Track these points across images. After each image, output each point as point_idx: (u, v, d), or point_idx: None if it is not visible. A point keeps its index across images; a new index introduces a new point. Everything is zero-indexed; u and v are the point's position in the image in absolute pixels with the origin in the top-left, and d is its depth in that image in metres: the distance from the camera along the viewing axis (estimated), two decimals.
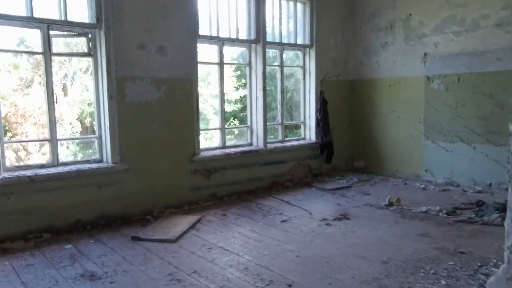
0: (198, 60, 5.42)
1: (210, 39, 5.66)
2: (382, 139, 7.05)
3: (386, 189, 6.07)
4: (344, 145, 7.36)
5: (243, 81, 11.09)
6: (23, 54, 10.54)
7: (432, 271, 3.23)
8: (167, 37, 5.03)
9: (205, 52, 6.42)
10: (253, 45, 6.16)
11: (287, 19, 6.79)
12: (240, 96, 11.98)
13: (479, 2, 5.68)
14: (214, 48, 5.86)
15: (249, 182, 6.01)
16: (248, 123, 6.39)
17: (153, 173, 5.02)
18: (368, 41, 7.10)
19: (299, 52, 7.02)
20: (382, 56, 6.91)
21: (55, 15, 4.40)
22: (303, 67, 7.01)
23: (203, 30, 5.50)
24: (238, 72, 12.29)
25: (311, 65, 6.93)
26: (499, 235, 4.00)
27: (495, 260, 3.41)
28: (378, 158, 7.12)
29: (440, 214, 4.71)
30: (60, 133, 9.31)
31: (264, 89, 6.18)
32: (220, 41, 5.80)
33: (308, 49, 6.92)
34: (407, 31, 6.54)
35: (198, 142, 5.47)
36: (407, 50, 6.56)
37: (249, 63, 6.27)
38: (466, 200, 5.29)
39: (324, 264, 3.43)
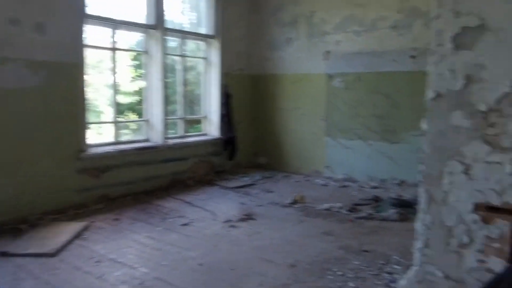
0: (86, 43, 4.74)
1: (100, 20, 4.99)
2: (285, 136, 7.01)
3: (289, 186, 6.01)
4: (247, 141, 7.18)
5: (142, 71, 10.34)
6: None
7: (339, 273, 3.13)
8: (47, 13, 4.27)
9: (97, 35, 5.69)
10: (152, 31, 5.62)
11: (190, 7, 6.35)
12: (139, 88, 11.17)
13: (378, 3, 5.87)
14: (107, 31, 5.20)
15: (146, 181, 5.49)
16: (146, 117, 5.84)
17: (29, 173, 4.24)
18: (272, 36, 6.98)
19: (202, 43, 6.63)
20: (287, 51, 6.85)
21: None
22: (206, 59, 6.65)
23: (92, 9, 4.82)
24: (137, 62, 11.46)
25: (215, 57, 6.60)
26: (397, 230, 4.11)
27: (396, 257, 3.44)
28: (281, 155, 7.07)
29: (342, 211, 4.74)
30: None
31: (164, 80, 5.69)
32: (113, 24, 5.16)
33: (211, 40, 6.57)
34: (311, 28, 6.55)
35: (86, 137, 4.79)
36: (310, 47, 6.58)
37: (147, 51, 5.71)
38: (364, 196, 5.43)
39: (229, 272, 3.14)
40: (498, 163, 2.02)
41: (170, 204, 5.00)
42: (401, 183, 5.93)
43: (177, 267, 3.23)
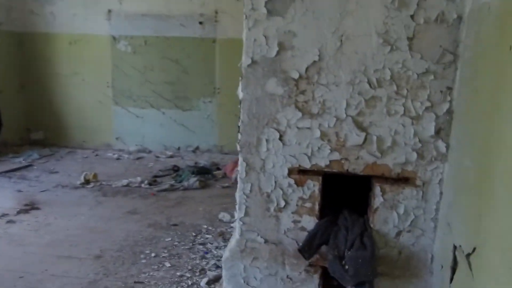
0: None
1: None
2: (64, 106, 6.10)
3: (76, 164, 5.29)
4: (15, 114, 5.94)
5: None
6: None
7: (153, 254, 2.91)
8: None
9: None
10: None
11: None
12: None
13: None
14: None
15: None
16: None
17: None
18: None
19: None
20: (58, 6, 5.83)
21: None
22: None
23: None
24: None
25: None
26: (201, 198, 4.12)
27: (205, 226, 3.43)
28: (61, 128, 6.15)
29: (142, 185, 4.45)
30: None
31: None
32: None
33: None
34: None
35: None
36: (88, 3, 5.77)
37: None
38: (162, 166, 5.26)
39: (18, 281, 2.51)
40: (308, 128, 2.13)
41: None
42: (196, 150, 6.00)
43: None
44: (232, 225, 3.44)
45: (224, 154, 5.85)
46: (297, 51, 2.08)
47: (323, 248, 2.19)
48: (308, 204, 2.21)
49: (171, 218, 3.58)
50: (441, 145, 2.05)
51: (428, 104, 2.03)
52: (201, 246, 3.05)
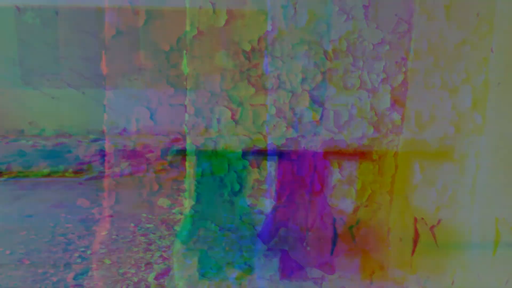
0: None
1: None
2: None
3: None
4: None
5: None
6: None
7: (88, 251, 2.60)
8: None
9: None
10: None
11: None
12: None
13: None
14: None
15: None
16: None
17: None
18: None
19: None
20: None
21: None
22: None
23: None
24: None
25: None
26: (136, 184, 3.82)
27: (145, 215, 3.18)
28: None
29: (66, 174, 4.01)
30: None
31: None
32: None
33: None
34: None
35: None
36: None
37: None
38: (86, 152, 4.79)
39: None
40: (262, 105, 1.98)
41: None
42: (125, 132, 5.57)
43: None
44: (173, 211, 3.22)
45: (157, 136, 5.50)
46: (248, 20, 1.89)
47: (282, 231, 2.09)
48: (264, 186, 2.08)
49: (105, 209, 3.26)
50: (396, 117, 2.01)
51: (384, 75, 1.97)
52: (143, 238, 2.81)
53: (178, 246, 2.13)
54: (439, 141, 1.94)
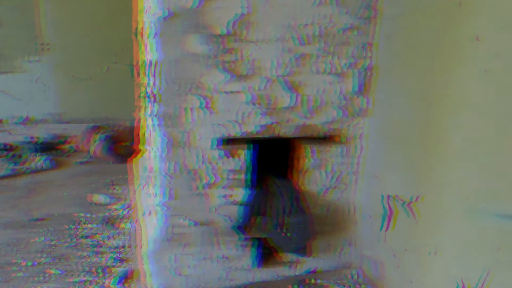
0: None
1: None
2: None
3: None
4: None
5: None
6: None
7: (29, 263, 2.28)
8: None
9: None
10: None
11: None
12: None
13: None
14: None
15: None
16: None
17: None
18: None
19: None
20: None
21: None
22: None
23: None
24: None
25: None
26: (60, 181, 3.44)
27: (82, 214, 2.87)
28: None
29: None
30: None
31: None
32: None
33: None
34: None
35: None
36: None
37: None
38: None
39: None
40: (237, 92, 1.89)
41: None
42: (26, 121, 4.93)
43: None
44: (114, 207, 2.97)
45: (65, 124, 4.95)
46: (222, 2, 1.77)
47: (259, 219, 2.06)
48: (240, 176, 2.01)
49: (31, 212, 2.88)
50: (363, 101, 2.09)
51: (351, 60, 2.01)
52: (88, 240, 2.54)
53: (151, 247, 1.97)
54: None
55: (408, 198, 1.82)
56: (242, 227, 2.00)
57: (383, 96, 2.04)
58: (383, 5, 1.96)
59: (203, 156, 1.93)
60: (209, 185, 1.98)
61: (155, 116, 1.84)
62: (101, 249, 2.44)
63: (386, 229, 1.98)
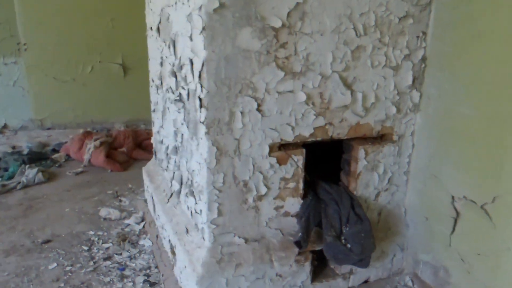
0: None
1: None
2: None
3: None
4: None
5: None
6: None
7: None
8: None
9: None
10: None
11: None
12: None
13: None
14: None
15: None
16: None
17: None
18: None
19: None
20: None
21: None
22: None
23: None
24: None
25: None
26: (57, 195, 3.12)
27: (92, 232, 2.59)
28: None
29: None
30: None
31: None
32: None
33: None
34: None
35: None
36: None
37: None
38: None
39: None
40: (290, 91, 1.68)
41: None
42: (3, 129, 4.51)
43: None
44: (127, 221, 2.70)
45: (48, 130, 4.56)
46: None
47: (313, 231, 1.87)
48: (291, 184, 1.81)
49: (34, 234, 2.56)
50: (416, 95, 1.93)
51: (406, 51, 1.84)
52: (108, 262, 2.28)
53: (200, 271, 1.73)
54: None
55: (480, 199, 1.68)
56: (304, 242, 1.80)
57: (434, 90, 1.88)
58: None
59: (254, 165, 1.71)
60: (260, 197, 1.77)
61: (202, 123, 1.60)
62: (125, 273, 2.18)
63: (452, 232, 1.84)
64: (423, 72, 1.90)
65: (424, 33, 1.85)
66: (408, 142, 2.00)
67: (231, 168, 1.68)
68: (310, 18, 1.62)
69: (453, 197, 1.82)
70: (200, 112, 1.60)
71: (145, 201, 2.93)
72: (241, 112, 1.63)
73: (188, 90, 1.75)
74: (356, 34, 1.72)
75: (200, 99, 1.60)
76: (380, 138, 1.96)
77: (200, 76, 1.58)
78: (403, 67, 1.86)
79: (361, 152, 1.90)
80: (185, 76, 1.75)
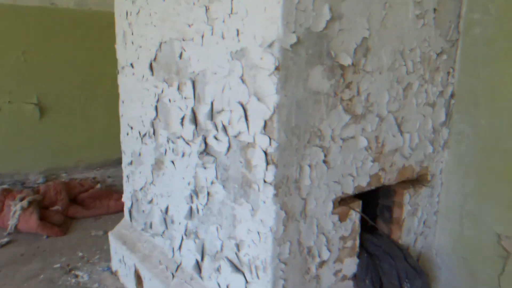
0: None
1: None
2: None
3: None
4: None
5: None
6: None
7: None
8: None
9: None
10: None
11: None
12: None
13: None
14: None
15: None
16: None
17: None
18: None
19: None
20: None
21: None
22: None
23: None
24: None
25: None
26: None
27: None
28: None
29: None
30: None
31: None
32: None
33: None
34: None
35: None
36: None
37: None
38: None
39: None
40: (352, 137, 1.45)
41: None
42: None
43: None
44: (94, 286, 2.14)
45: None
46: (345, 22, 1.34)
47: None
48: (349, 243, 1.57)
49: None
50: (445, 132, 1.86)
51: (440, 88, 1.77)
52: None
53: None
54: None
55: None
56: None
57: (466, 126, 1.84)
58: (467, 27, 1.77)
59: (317, 226, 1.43)
60: (322, 264, 1.49)
61: (269, 183, 1.28)
62: None
63: (502, 273, 1.77)
64: (453, 108, 1.85)
65: (453, 69, 1.80)
66: (438, 181, 1.91)
67: (296, 234, 1.38)
68: (372, 55, 1.44)
69: (499, 236, 1.76)
70: (266, 170, 1.28)
71: (112, 272, 2.39)
72: (309, 166, 1.35)
73: (229, 141, 1.41)
74: (406, 72, 1.59)
75: (265, 154, 1.28)
76: (418, 179, 1.84)
77: (265, 126, 1.27)
78: (438, 104, 1.78)
79: (406, 197, 1.75)
80: (225, 125, 1.42)
